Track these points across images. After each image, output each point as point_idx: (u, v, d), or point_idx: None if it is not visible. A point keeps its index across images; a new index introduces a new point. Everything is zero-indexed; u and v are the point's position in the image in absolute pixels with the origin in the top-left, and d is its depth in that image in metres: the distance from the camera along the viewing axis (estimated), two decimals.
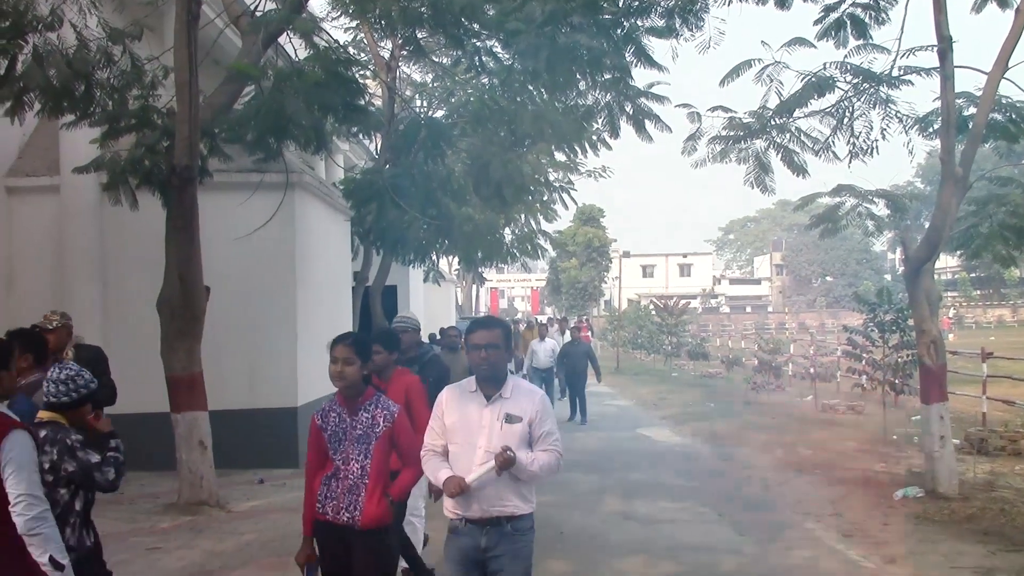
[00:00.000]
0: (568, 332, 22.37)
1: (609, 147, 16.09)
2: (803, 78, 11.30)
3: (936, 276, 11.58)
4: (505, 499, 4.62)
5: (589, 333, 31.78)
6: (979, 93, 10.72)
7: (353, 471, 4.88)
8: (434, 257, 22.64)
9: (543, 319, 47.21)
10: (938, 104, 10.79)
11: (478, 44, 12.76)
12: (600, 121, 13.51)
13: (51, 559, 3.79)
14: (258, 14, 10.67)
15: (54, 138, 12.25)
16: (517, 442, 4.59)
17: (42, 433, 4.34)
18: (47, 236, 12.62)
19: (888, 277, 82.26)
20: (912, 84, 11.05)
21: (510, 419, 4.64)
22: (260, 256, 12.51)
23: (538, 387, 5.81)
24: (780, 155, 12.45)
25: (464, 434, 4.72)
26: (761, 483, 11.69)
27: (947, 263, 68.78)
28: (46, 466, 4.24)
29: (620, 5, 11.28)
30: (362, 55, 20.05)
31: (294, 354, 12.75)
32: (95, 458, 4.54)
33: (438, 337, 14.91)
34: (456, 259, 27.72)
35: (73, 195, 12.27)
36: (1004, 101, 11.16)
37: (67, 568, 3.87)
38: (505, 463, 4.45)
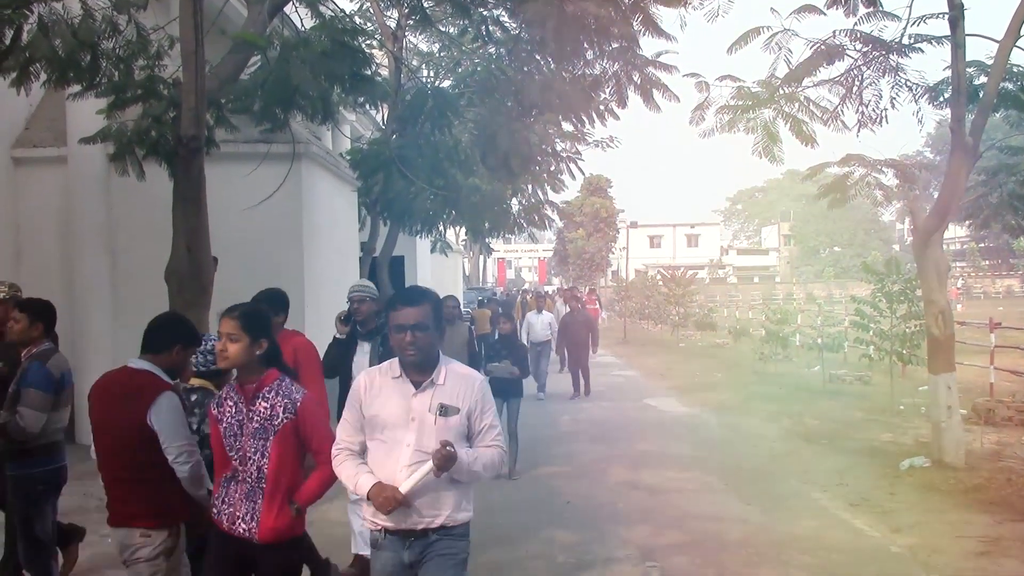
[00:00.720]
0: (567, 303, 21.53)
1: (617, 117, 16.01)
2: (812, 46, 11.23)
3: (945, 246, 11.53)
4: (440, 507, 3.93)
5: (597, 304, 31.44)
6: (990, 62, 10.62)
7: (250, 472, 4.12)
8: (441, 227, 22.62)
9: (550, 290, 47.29)
10: (948, 73, 10.71)
11: (485, 13, 12.70)
12: (608, 91, 13.45)
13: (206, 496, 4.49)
14: None
15: (61, 109, 12.22)
16: (454, 438, 3.88)
17: (192, 397, 4.87)
18: (55, 207, 12.63)
19: (896, 247, 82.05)
20: (923, 52, 10.97)
21: (445, 411, 3.92)
22: (267, 227, 12.51)
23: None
24: (788, 125, 12.39)
25: (388, 429, 3.95)
26: (768, 453, 11.72)
27: (956, 233, 68.64)
28: (193, 427, 4.70)
29: None
30: (368, 24, 19.96)
31: (302, 323, 12.74)
32: None
33: None
34: (463, 229, 27.71)
35: (80, 166, 12.26)
36: (1016, 70, 11.05)
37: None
38: (445, 462, 3.73)
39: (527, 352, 12.08)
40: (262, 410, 4.11)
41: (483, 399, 4.03)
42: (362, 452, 4.04)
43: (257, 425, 4.10)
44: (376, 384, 4.04)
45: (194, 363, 4.95)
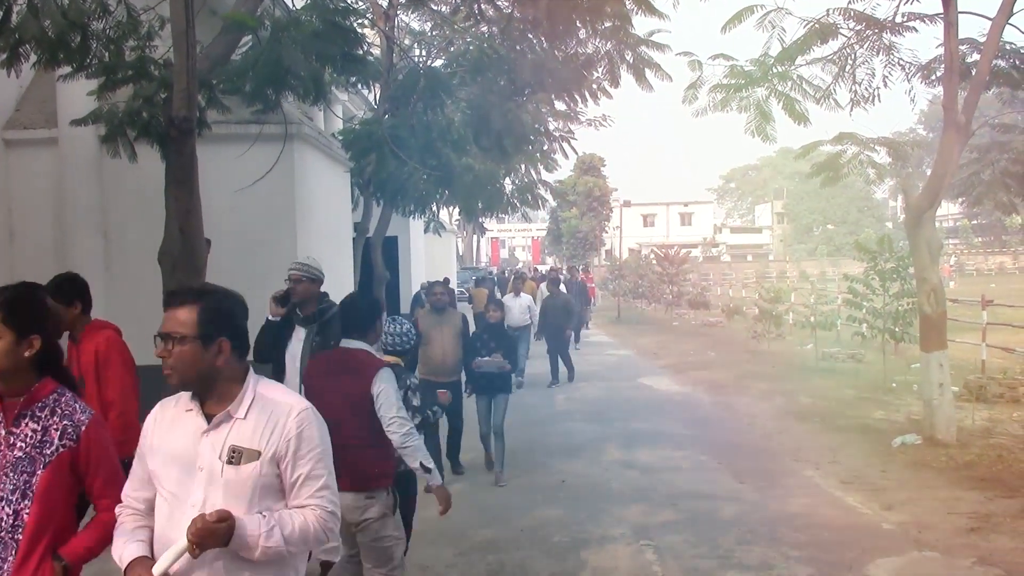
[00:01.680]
0: (545, 285, 20.09)
1: (610, 96, 15.96)
2: (806, 24, 11.19)
3: (937, 223, 11.56)
4: None
5: (593, 285, 31.16)
6: (983, 39, 10.62)
7: (4, 518, 3.05)
8: (434, 208, 22.58)
9: (544, 269, 47.28)
10: (941, 51, 10.71)
11: None
12: (601, 70, 13.40)
13: (421, 464, 4.84)
14: None
15: (51, 90, 12.16)
16: (249, 495, 2.84)
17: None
18: (47, 189, 12.58)
19: (889, 225, 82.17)
20: (916, 31, 10.96)
21: (237, 456, 2.84)
22: (260, 208, 12.48)
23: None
24: (781, 103, 12.35)
25: (171, 482, 2.91)
26: (761, 431, 11.79)
27: (948, 210, 68.73)
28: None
29: None
30: (359, 3, 19.85)
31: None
32: (417, 400, 5.61)
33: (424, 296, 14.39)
34: (456, 209, 27.67)
35: (72, 147, 12.21)
36: (1008, 47, 11.08)
37: (434, 471, 4.92)
38: (203, 536, 2.66)
39: (515, 343, 11.53)
40: (29, 434, 3.09)
41: (300, 437, 2.91)
42: (149, 512, 3.00)
43: (20, 454, 3.07)
44: (167, 418, 3.03)
45: (384, 344, 5.72)
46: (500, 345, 9.69)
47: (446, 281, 16.16)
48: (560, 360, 17.18)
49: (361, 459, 4.71)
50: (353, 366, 4.93)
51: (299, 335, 6.50)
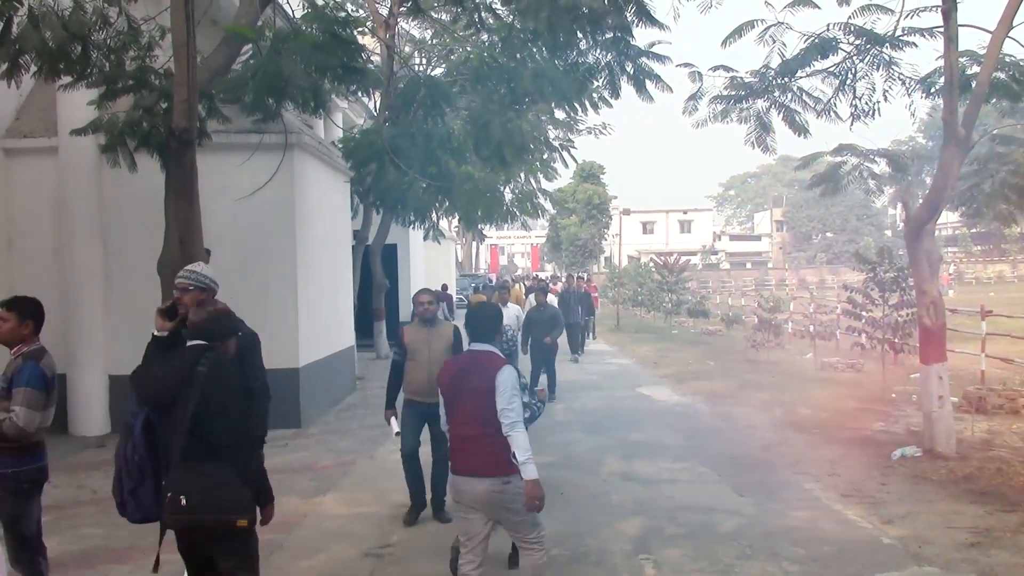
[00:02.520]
0: (533, 296, 18.33)
1: (610, 105, 15.95)
2: (806, 39, 11.20)
3: (937, 231, 11.56)
4: None
5: (596, 293, 30.32)
6: (983, 52, 10.62)
7: None
8: (434, 217, 22.60)
9: (545, 275, 47.26)
10: (941, 63, 10.71)
11: (478, 1, 12.66)
12: (601, 81, 13.39)
13: (514, 455, 5.23)
14: None
15: (52, 99, 12.17)
16: None
17: None
18: (46, 198, 12.60)
19: (889, 233, 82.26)
20: (916, 47, 10.95)
21: None
22: (260, 217, 12.50)
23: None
24: (782, 115, 12.38)
25: None
26: (760, 443, 11.76)
27: (948, 219, 68.71)
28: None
29: None
30: (360, 11, 19.90)
31: (295, 315, 12.78)
32: (526, 397, 5.84)
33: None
34: (456, 217, 27.70)
35: (72, 157, 12.23)
36: (1008, 60, 11.07)
37: (529, 465, 5.22)
38: None
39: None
40: None
41: None
42: None
43: None
44: None
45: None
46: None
47: (444, 288, 16.19)
48: (545, 376, 15.82)
49: (494, 447, 5.37)
50: (481, 364, 5.58)
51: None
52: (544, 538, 5.71)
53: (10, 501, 5.50)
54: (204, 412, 4.43)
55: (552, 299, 18.86)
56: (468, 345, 5.81)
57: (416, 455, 8.19)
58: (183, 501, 4.39)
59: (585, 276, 37.46)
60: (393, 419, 8.34)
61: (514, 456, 5.27)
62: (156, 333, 5.24)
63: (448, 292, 28.11)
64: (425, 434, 8.16)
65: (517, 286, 30.65)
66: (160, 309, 5.36)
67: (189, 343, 4.79)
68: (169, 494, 4.44)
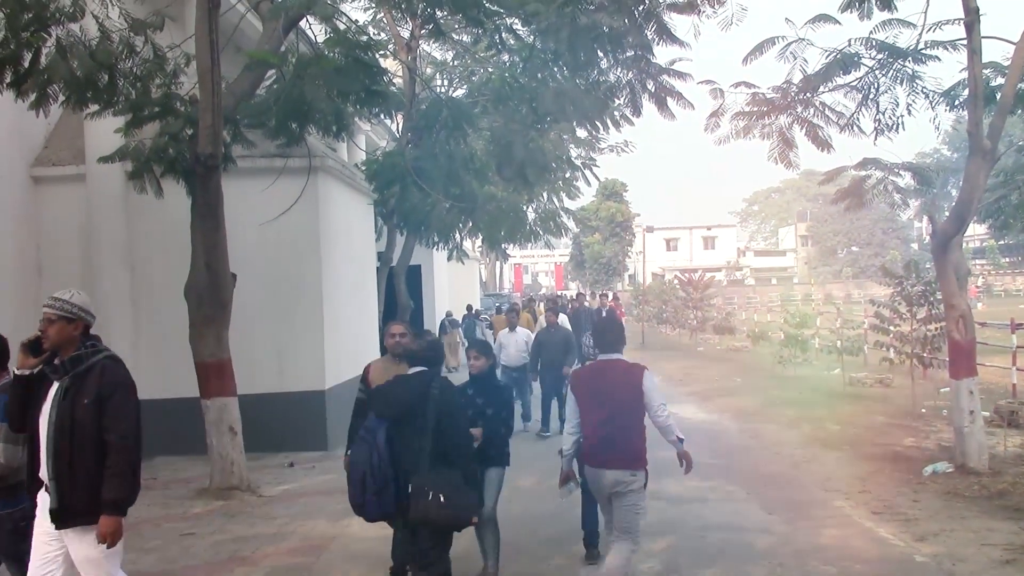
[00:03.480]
0: (544, 316, 17.31)
1: (632, 123, 15.96)
2: (828, 55, 11.17)
3: (964, 244, 11.46)
4: None
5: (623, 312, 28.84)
6: (1007, 63, 10.55)
7: None
8: (457, 237, 22.62)
9: (570, 295, 47.19)
10: (964, 75, 10.64)
11: (498, 23, 12.72)
12: (622, 99, 13.42)
13: (677, 437, 6.30)
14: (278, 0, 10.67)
15: (79, 127, 12.33)
16: None
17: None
18: (75, 224, 12.74)
19: (915, 246, 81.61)
20: (939, 60, 10.88)
21: None
22: (285, 241, 12.58)
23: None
24: (804, 130, 12.34)
25: None
26: (789, 460, 11.67)
27: (975, 231, 68.11)
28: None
29: None
30: (381, 34, 20.03)
31: (321, 337, 12.82)
32: None
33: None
34: (479, 237, 27.74)
35: (99, 184, 12.37)
36: None
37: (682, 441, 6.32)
38: None
39: (511, 396, 8.72)
40: None
41: None
42: None
43: None
44: None
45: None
46: (491, 401, 6.99)
47: (470, 308, 16.15)
48: (554, 403, 14.23)
49: (631, 444, 6.13)
50: (621, 370, 6.29)
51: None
52: (639, 539, 6.44)
53: (12, 540, 5.39)
54: (438, 427, 5.40)
55: (565, 320, 17.25)
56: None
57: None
58: (441, 498, 5.30)
59: (609, 294, 37.19)
60: None
61: (677, 439, 6.32)
62: (17, 372, 4.85)
63: (476, 311, 27.96)
64: None
65: (538, 305, 29.78)
66: (24, 344, 4.90)
67: (414, 369, 5.73)
68: (427, 492, 5.32)
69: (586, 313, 21.70)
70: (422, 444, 5.38)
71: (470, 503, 5.45)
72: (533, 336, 15.42)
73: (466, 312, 27.17)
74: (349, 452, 6.34)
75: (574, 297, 33.35)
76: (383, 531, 8.78)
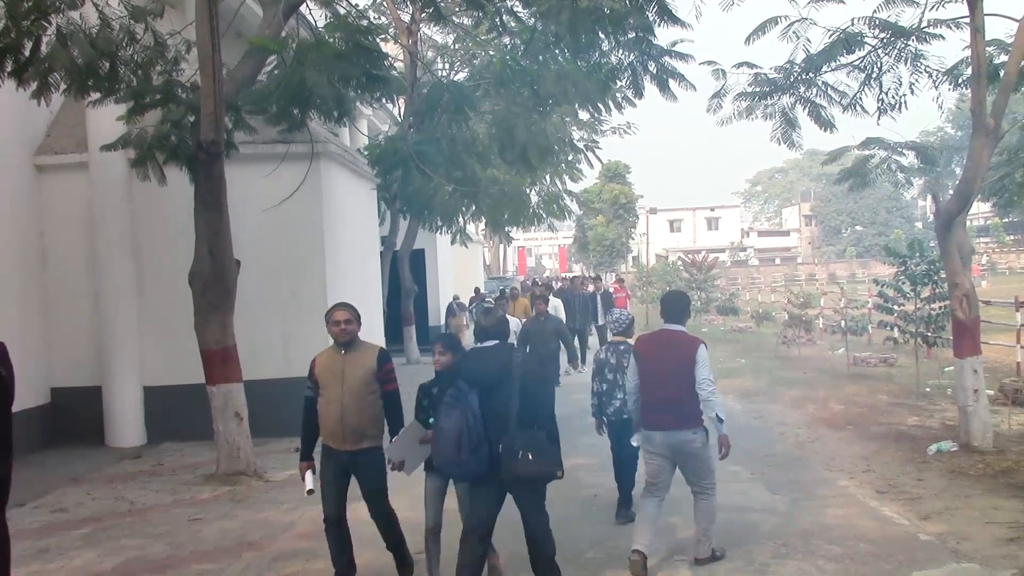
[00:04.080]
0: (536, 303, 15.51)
1: (634, 105, 15.90)
2: (830, 34, 11.13)
3: (968, 222, 11.45)
4: None
5: (624, 295, 27.96)
6: (1010, 40, 10.51)
7: None
8: (460, 221, 22.64)
9: (575, 276, 47.17)
10: (967, 53, 10.61)
11: (499, 5, 12.68)
12: (624, 81, 13.36)
13: (716, 415, 6.73)
14: None
15: (81, 115, 12.33)
16: None
17: (621, 347, 8.54)
18: (78, 213, 12.76)
19: (919, 225, 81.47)
20: (943, 38, 10.85)
21: None
22: (289, 226, 12.59)
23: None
24: (807, 110, 12.31)
25: None
26: (793, 440, 11.70)
27: (979, 208, 67.99)
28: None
29: None
30: (381, 18, 19.99)
31: (324, 322, 12.83)
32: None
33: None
34: (482, 221, 27.75)
35: (102, 172, 12.38)
36: None
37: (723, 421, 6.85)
38: None
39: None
40: None
41: None
42: None
43: None
44: None
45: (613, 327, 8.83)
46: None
47: (477, 291, 16.17)
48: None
49: (687, 405, 6.75)
50: (679, 341, 6.96)
51: None
52: (716, 485, 7.20)
53: None
54: (524, 392, 5.95)
55: (559, 306, 17.11)
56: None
57: (340, 521, 6.80)
58: (531, 456, 5.83)
59: (614, 275, 36.88)
60: (309, 473, 6.75)
61: (716, 417, 6.72)
62: None
63: (483, 294, 27.88)
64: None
65: (546, 288, 29.30)
66: None
67: (488, 343, 6.27)
68: (517, 451, 5.82)
69: (580, 299, 21.01)
70: (509, 408, 5.91)
71: (555, 459, 5.97)
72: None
73: (474, 295, 26.93)
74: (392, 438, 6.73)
75: (568, 279, 32.63)
76: None
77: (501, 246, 61.80)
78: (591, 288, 23.36)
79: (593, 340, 21.50)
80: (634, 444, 7.58)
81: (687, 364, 6.73)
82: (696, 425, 6.78)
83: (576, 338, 18.56)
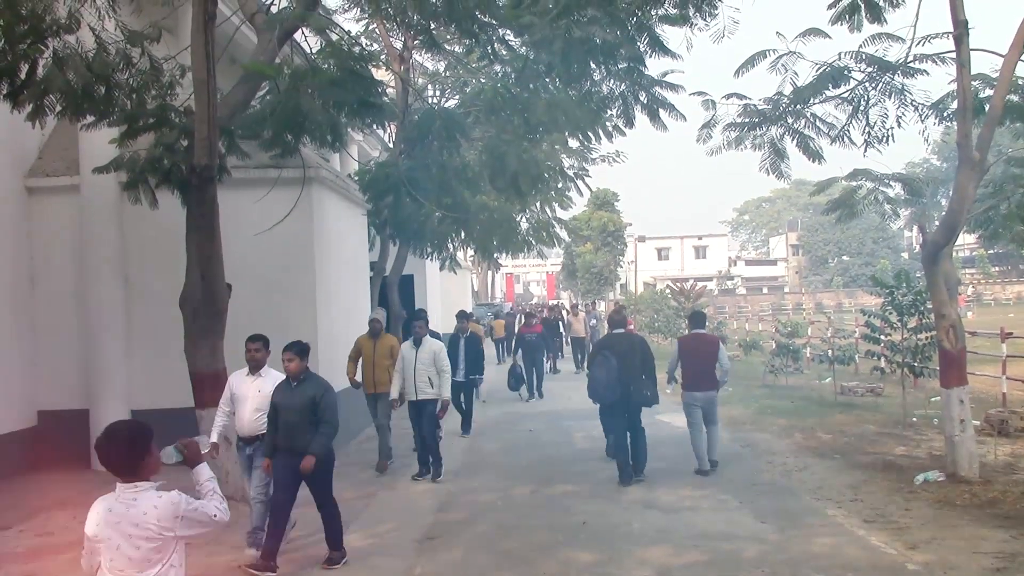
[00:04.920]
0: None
1: (624, 134, 16.03)
2: (818, 68, 11.28)
3: (954, 253, 11.56)
4: None
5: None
6: (995, 75, 10.66)
7: None
8: (450, 247, 22.69)
9: (563, 304, 47.21)
10: (953, 87, 10.75)
11: (491, 34, 12.78)
12: (615, 110, 13.48)
13: (724, 382, 12.11)
14: (273, 11, 10.73)
15: (73, 138, 12.35)
16: None
17: None
18: (68, 235, 12.75)
19: (905, 255, 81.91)
20: (928, 74, 11.01)
21: None
22: (279, 251, 12.60)
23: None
24: (795, 141, 12.45)
25: None
26: (781, 469, 11.72)
27: (965, 240, 68.46)
28: None
29: None
30: (374, 45, 20.11)
31: (314, 348, 12.82)
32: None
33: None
34: (472, 248, 27.85)
35: (93, 194, 12.39)
36: (1021, 82, 11.11)
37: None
38: None
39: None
40: None
41: None
42: None
43: None
44: None
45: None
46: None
47: (463, 312, 16.20)
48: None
49: (711, 378, 11.60)
50: (708, 340, 12.00)
51: None
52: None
53: None
54: (642, 359, 11.16)
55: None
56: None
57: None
58: (646, 393, 11.12)
59: (614, 303, 37.30)
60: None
61: (721, 380, 11.79)
62: None
63: (471, 314, 28.47)
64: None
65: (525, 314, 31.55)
66: None
67: (618, 330, 11.72)
68: (635, 390, 11.05)
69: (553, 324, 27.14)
70: (634, 367, 11.03)
71: (655, 396, 11.30)
72: None
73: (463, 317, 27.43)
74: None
75: (549, 307, 34.34)
76: (378, 540, 8.82)
77: (490, 273, 61.82)
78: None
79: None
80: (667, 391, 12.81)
81: (712, 352, 11.66)
82: (715, 387, 11.67)
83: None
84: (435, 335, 12.33)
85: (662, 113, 13.08)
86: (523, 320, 22.42)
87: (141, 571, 3.86)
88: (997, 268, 72.53)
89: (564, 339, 29.91)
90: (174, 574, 4.00)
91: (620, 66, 12.12)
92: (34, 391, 12.65)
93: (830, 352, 20.11)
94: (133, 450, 4.07)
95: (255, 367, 8.51)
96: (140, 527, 3.82)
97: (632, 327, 28.43)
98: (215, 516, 4.09)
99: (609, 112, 14.14)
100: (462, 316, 16.19)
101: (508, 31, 13.09)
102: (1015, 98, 11.10)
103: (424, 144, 16.27)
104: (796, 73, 11.70)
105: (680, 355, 11.75)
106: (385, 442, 12.33)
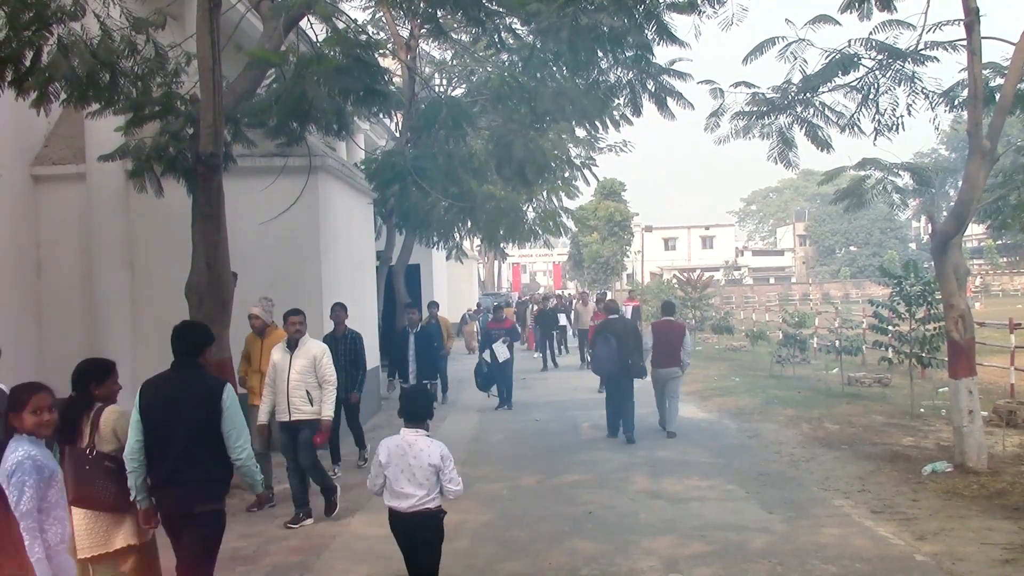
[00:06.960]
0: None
1: (631, 123, 15.90)
2: (827, 55, 11.19)
3: (962, 243, 11.49)
4: None
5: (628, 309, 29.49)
6: (1006, 63, 10.57)
7: None
8: (456, 236, 22.66)
9: (569, 293, 47.18)
10: (964, 75, 10.67)
11: (498, 22, 12.69)
12: (622, 99, 13.40)
13: (685, 361, 14.12)
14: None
15: (79, 126, 12.32)
16: None
17: None
18: (74, 224, 12.73)
19: (913, 246, 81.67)
20: (938, 61, 10.92)
21: None
22: (285, 239, 12.58)
23: None
24: (804, 130, 12.36)
25: None
26: (788, 459, 11.68)
27: (973, 230, 68.17)
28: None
29: None
30: (380, 33, 20.05)
31: (321, 335, 12.81)
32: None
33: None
34: (478, 237, 27.83)
35: (99, 183, 12.36)
36: None
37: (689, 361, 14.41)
38: None
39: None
40: None
41: None
42: None
43: None
44: None
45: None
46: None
47: (478, 305, 16.41)
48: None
49: (676, 357, 13.48)
50: (675, 326, 13.99)
51: None
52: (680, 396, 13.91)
53: None
54: (633, 339, 13.66)
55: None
56: None
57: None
58: (641, 365, 13.69)
59: (627, 292, 37.19)
60: None
61: (684, 361, 13.60)
62: None
63: (484, 307, 30.91)
64: None
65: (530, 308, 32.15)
66: None
67: (612, 315, 14.40)
68: (631, 364, 13.36)
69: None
70: (629, 346, 13.15)
71: (643, 369, 13.48)
72: None
73: (476, 308, 32.80)
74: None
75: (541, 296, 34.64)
76: (384, 529, 8.80)
77: (496, 262, 61.78)
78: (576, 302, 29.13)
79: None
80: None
81: (678, 337, 13.59)
82: (678, 365, 13.56)
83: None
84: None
85: (670, 102, 12.97)
86: (492, 314, 20.25)
87: None
88: (1005, 259, 72.25)
89: (571, 331, 28.47)
90: None
91: (628, 54, 12.01)
92: (39, 379, 12.60)
93: (837, 342, 20.04)
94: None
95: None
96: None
97: (637, 303, 28.84)
98: None
99: (616, 101, 14.03)
100: (432, 306, 18.64)
101: (515, 19, 12.99)
102: None
103: (430, 133, 16.21)
104: (805, 61, 11.62)
105: (653, 335, 13.83)
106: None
